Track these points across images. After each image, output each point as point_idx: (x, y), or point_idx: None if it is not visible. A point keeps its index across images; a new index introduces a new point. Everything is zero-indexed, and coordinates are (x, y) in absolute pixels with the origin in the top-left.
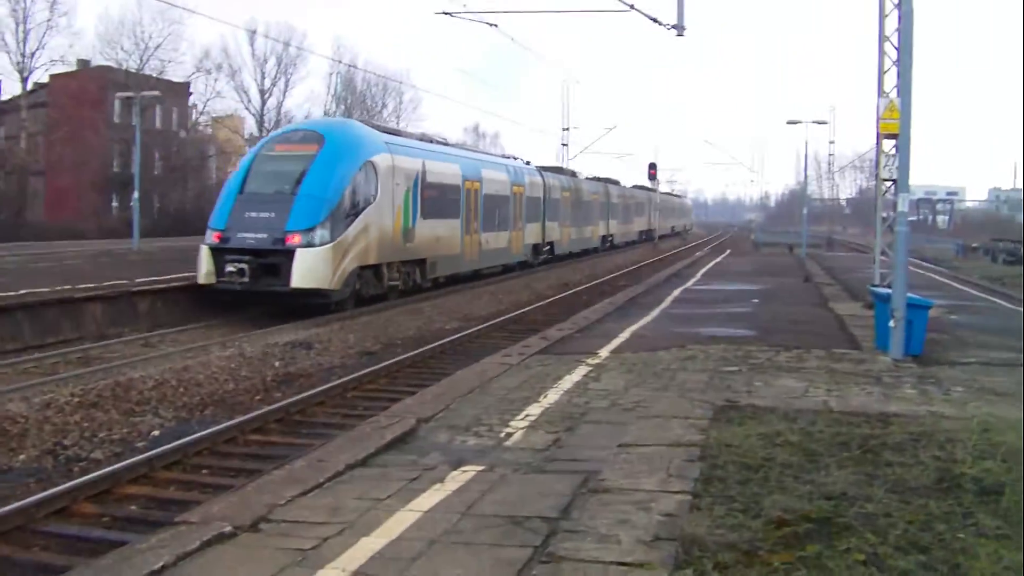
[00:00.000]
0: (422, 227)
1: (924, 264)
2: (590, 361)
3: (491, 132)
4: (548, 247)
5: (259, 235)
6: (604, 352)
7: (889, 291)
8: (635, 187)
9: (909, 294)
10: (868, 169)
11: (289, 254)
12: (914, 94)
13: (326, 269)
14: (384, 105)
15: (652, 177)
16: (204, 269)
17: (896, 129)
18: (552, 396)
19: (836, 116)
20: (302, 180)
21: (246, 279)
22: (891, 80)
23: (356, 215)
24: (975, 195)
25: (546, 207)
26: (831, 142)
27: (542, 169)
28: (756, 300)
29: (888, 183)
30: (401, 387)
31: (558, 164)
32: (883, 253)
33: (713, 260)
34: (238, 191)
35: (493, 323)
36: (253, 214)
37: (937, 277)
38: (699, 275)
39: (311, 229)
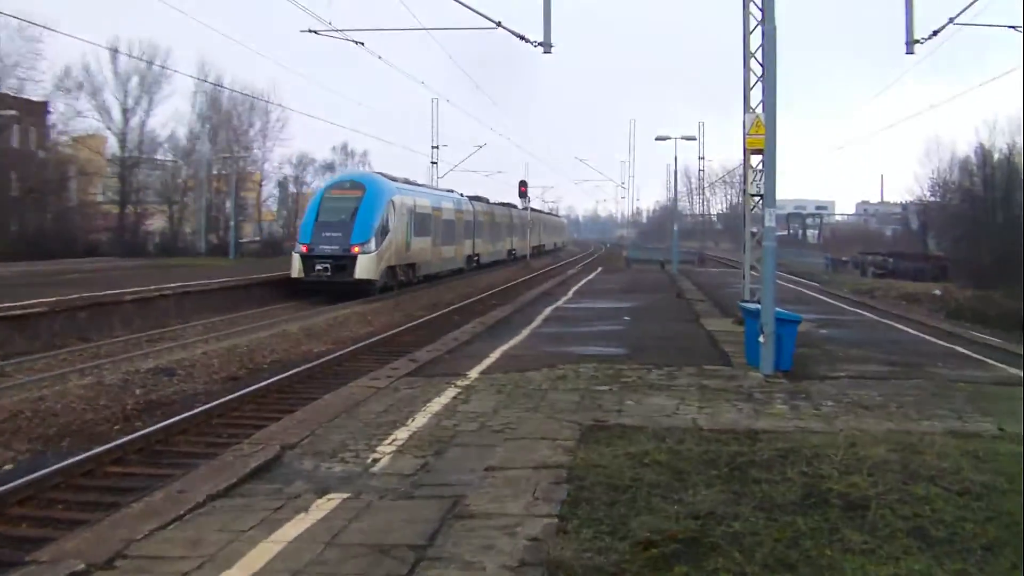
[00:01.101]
0: (414, 243)
1: (795, 278)
2: (460, 383)
3: (360, 151)
4: (477, 258)
5: (333, 247)
6: (474, 373)
7: (758, 306)
8: (503, 204)
9: (778, 309)
10: (738, 184)
11: (353, 258)
12: (780, 109)
13: (374, 267)
14: (251, 124)
15: (523, 195)
16: (297, 268)
17: (762, 144)
18: (421, 420)
19: (705, 132)
20: (356, 213)
21: (329, 273)
22: (757, 96)
23: (386, 235)
24: (844, 209)
25: (475, 228)
26: (701, 158)
27: (471, 198)
28: (628, 318)
29: (756, 198)
30: (269, 414)
31: (429, 182)
32: (752, 268)
33: (585, 277)
34: (315, 219)
35: (364, 344)
36: (327, 234)
37: (807, 291)
38: (571, 293)
39: (366, 243)
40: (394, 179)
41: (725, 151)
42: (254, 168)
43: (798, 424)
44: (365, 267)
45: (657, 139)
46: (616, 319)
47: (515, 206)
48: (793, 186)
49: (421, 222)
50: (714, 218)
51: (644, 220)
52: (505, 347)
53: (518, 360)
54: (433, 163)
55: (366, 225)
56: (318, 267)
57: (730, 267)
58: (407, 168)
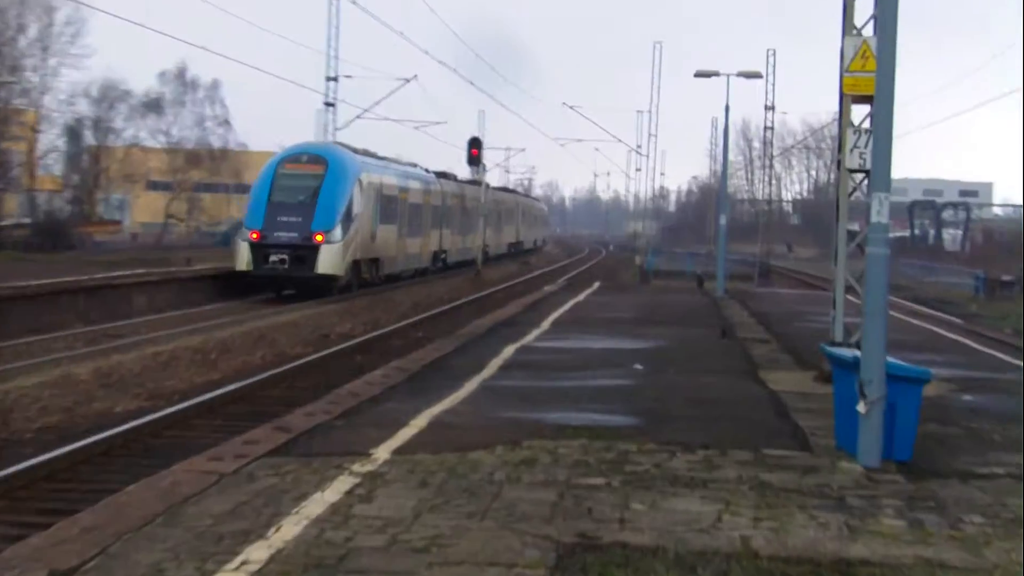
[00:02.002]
0: (380, 233)
1: (921, 308)
2: (359, 467)
3: (206, 80)
4: (444, 255)
5: (291, 234)
6: (383, 452)
7: (858, 354)
8: (474, 183)
9: (892, 359)
10: (829, 153)
11: (316, 248)
12: (903, 28)
13: (340, 260)
14: (20, 28)
15: (474, 160)
16: (244, 259)
17: (871, 88)
18: (290, 529)
19: (776, 67)
20: (318, 193)
21: (286, 266)
22: (865, 9)
23: (352, 221)
24: (1008, 196)
25: (443, 215)
26: (769, 108)
27: (438, 175)
28: (641, 367)
29: (858, 175)
30: (31, 516)
31: (322, 133)
32: (849, 289)
33: (572, 298)
34: (267, 199)
35: (198, 403)
36: (284, 218)
37: (941, 330)
38: (547, 323)
39: (330, 230)
40: (356, 151)
41: (806, 100)
42: (24, 103)
43: (921, 552)
44: (329, 260)
45: (698, 75)
46: (621, 368)
47: (489, 185)
48: (921, 158)
49: (387, 206)
50: (787, 206)
51: (671, 207)
52: (437, 409)
53: (457, 432)
54: (328, 104)
55: (330, 208)
56: (273, 258)
57: (811, 286)
58: (287, 111)
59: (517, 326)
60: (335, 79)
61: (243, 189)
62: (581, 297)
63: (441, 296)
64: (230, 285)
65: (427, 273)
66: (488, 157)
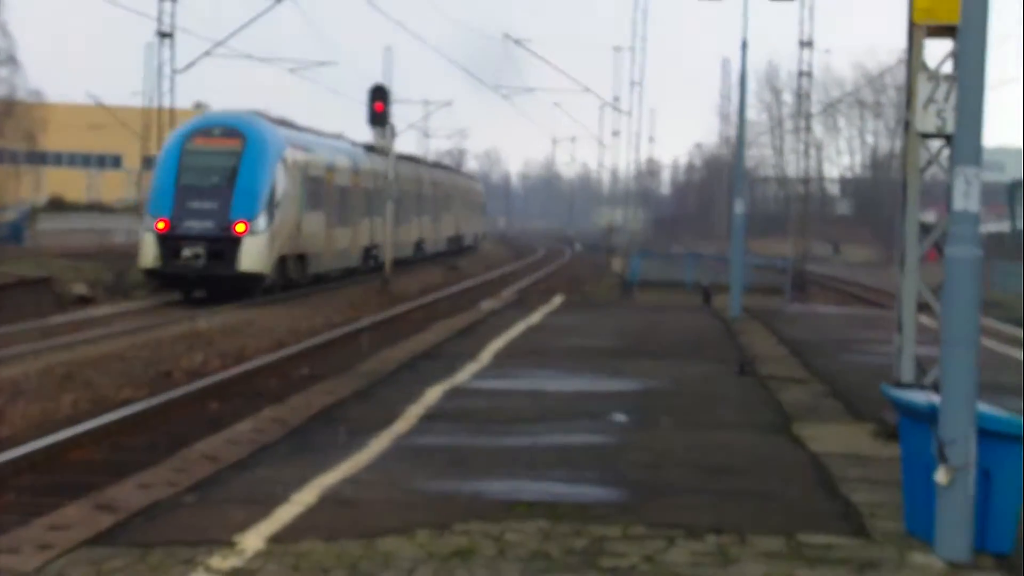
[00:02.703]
0: (305, 222)
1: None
2: (219, 563)
3: None
4: (375, 252)
5: (206, 223)
6: (253, 540)
7: (935, 400)
8: (409, 158)
9: (984, 407)
10: (895, 111)
11: (236, 241)
12: None
13: (265, 254)
14: None
15: (379, 119)
16: (151, 254)
17: (955, 14)
18: None
19: None
20: (236, 174)
21: (202, 262)
22: None
23: (276, 208)
24: None
25: (373, 200)
26: (805, 44)
27: (365, 148)
28: (624, 417)
29: (935, 142)
30: None
31: (162, 82)
32: (923, 308)
33: (523, 320)
34: (175, 182)
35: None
36: (196, 204)
37: None
38: (487, 355)
39: (254, 219)
40: (274, 120)
41: (859, 33)
42: None
43: None
44: (253, 255)
45: None
46: (595, 419)
47: (422, 160)
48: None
49: (314, 189)
50: (832, 187)
51: (665, 189)
52: (331, 478)
53: (361, 510)
54: (163, 35)
55: (252, 193)
56: (185, 252)
57: (866, 303)
58: (104, 44)
59: (444, 359)
60: None
61: (38, 158)
62: (536, 318)
63: (331, 316)
64: (14, 300)
65: (356, 273)
66: (398, 114)
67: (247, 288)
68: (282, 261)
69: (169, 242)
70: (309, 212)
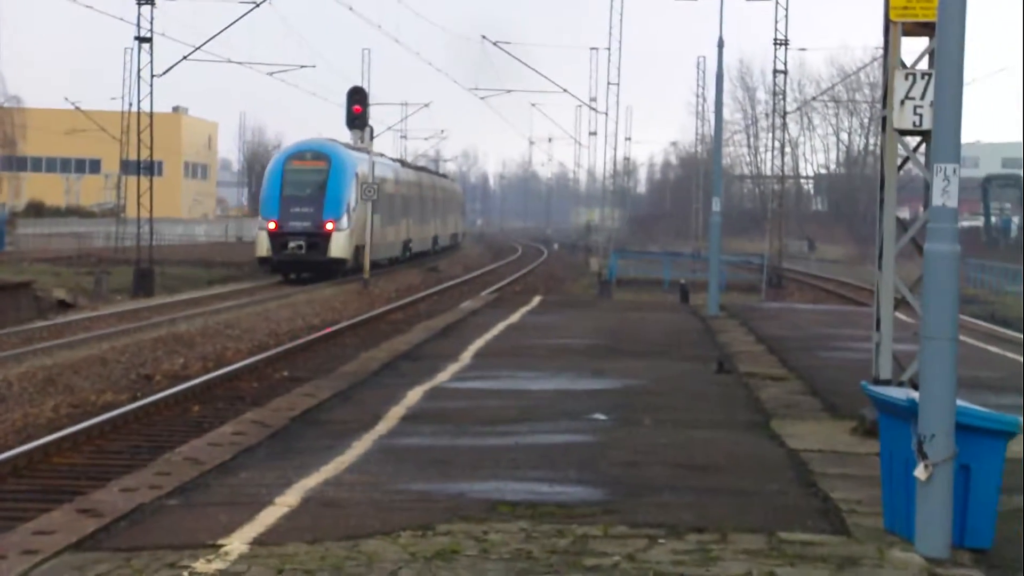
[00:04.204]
0: (370, 221)
1: (1004, 332)
2: (203, 567)
3: None
4: (410, 245)
5: (305, 223)
6: (238, 543)
7: (915, 396)
8: (421, 169)
9: (964, 403)
10: (867, 108)
11: (327, 236)
12: None
13: (347, 245)
14: None
15: (357, 122)
16: (265, 247)
17: (932, 11)
18: None
19: None
20: (325, 186)
21: (303, 251)
22: None
23: (353, 211)
24: None
25: (407, 204)
26: (781, 43)
27: (401, 164)
28: (604, 416)
29: (912, 139)
30: None
31: (142, 85)
32: (901, 304)
33: (502, 320)
34: (279, 194)
35: None
36: (297, 209)
37: None
38: (467, 355)
39: (339, 219)
40: (348, 146)
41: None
42: None
43: None
44: (339, 245)
45: None
46: (575, 419)
47: (435, 171)
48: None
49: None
50: (807, 185)
51: (642, 189)
52: (314, 480)
53: (344, 512)
54: (141, 40)
55: (336, 200)
56: (291, 244)
57: (843, 299)
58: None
59: (425, 360)
60: (150, 2)
61: (19, 164)
62: (515, 318)
63: (310, 318)
64: None
65: (398, 261)
66: (376, 116)
67: (335, 270)
68: (356, 250)
69: (277, 237)
70: (373, 215)
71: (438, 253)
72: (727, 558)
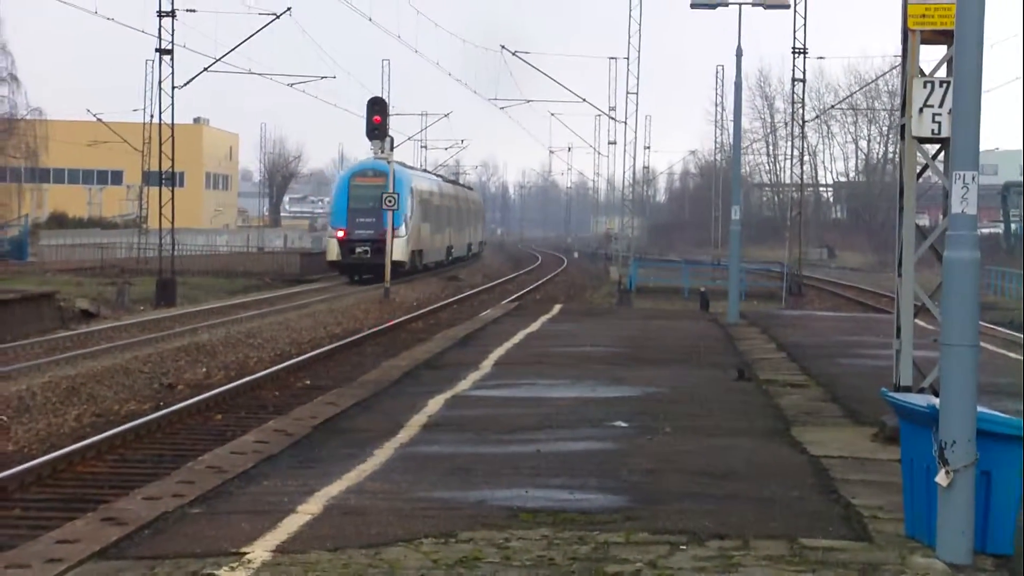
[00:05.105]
0: (422, 229)
1: (1019, 336)
2: (225, 574)
3: None
4: (451, 249)
5: (369, 231)
6: (260, 551)
7: (935, 402)
8: (452, 181)
9: (983, 409)
10: (886, 116)
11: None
12: None
13: (406, 250)
14: None
15: (377, 132)
16: (335, 252)
17: (950, 19)
18: None
19: None
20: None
21: (369, 256)
22: None
23: (409, 220)
24: None
25: (449, 214)
26: (799, 51)
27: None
28: (625, 424)
29: (931, 147)
30: None
31: (163, 97)
32: (921, 311)
33: (523, 328)
34: (347, 206)
35: None
36: (361, 219)
37: None
38: (488, 363)
39: (398, 228)
40: (404, 165)
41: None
42: None
43: None
44: (399, 250)
45: (695, 6)
46: (596, 426)
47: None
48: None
49: (425, 209)
50: (826, 193)
51: (662, 198)
52: (336, 488)
53: (366, 520)
54: (162, 52)
55: (396, 212)
56: (358, 250)
57: (864, 307)
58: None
59: (446, 368)
60: (171, 14)
61: (42, 176)
62: (535, 326)
63: (332, 327)
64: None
65: (442, 265)
66: (396, 126)
67: (395, 272)
68: (413, 254)
69: (346, 244)
70: (423, 223)
71: (472, 258)
72: (749, 564)
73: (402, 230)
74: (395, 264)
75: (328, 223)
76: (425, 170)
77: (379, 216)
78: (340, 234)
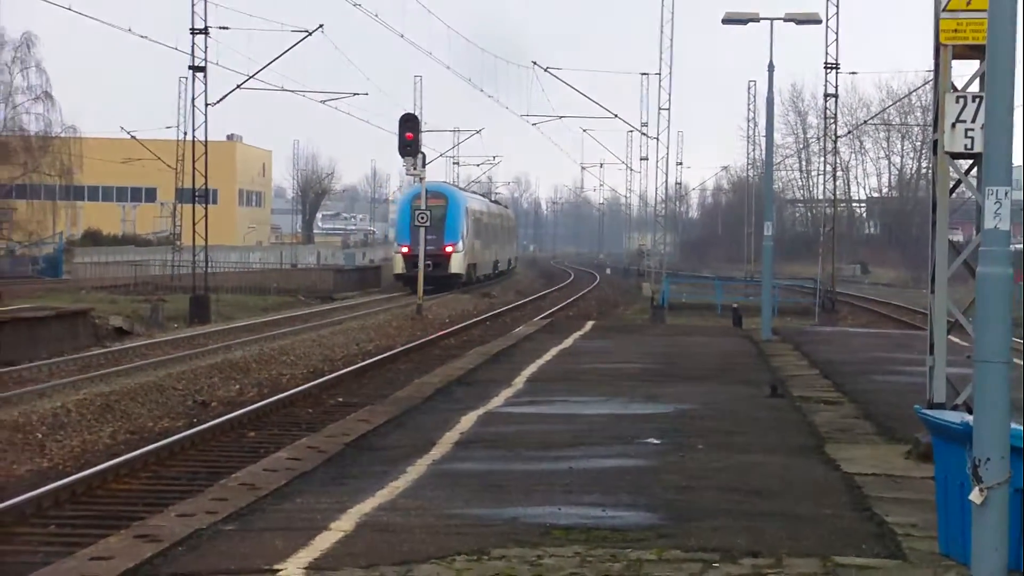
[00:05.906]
0: (475, 245)
1: None
2: None
3: (13, 34)
4: (496, 263)
5: (430, 247)
6: (294, 569)
7: (969, 419)
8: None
9: (1017, 426)
10: (919, 132)
11: (447, 256)
12: None
13: (463, 263)
14: None
15: (409, 149)
16: (400, 266)
17: (983, 33)
18: None
19: (841, 6)
20: (444, 219)
21: (431, 269)
22: None
23: (464, 237)
24: None
25: (495, 231)
26: (831, 67)
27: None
28: (657, 441)
29: (964, 162)
30: None
31: (196, 113)
32: (954, 327)
33: (555, 345)
34: (409, 225)
35: None
36: (423, 237)
37: None
38: (521, 380)
39: (455, 243)
40: (459, 187)
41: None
42: None
43: None
44: (457, 264)
45: (727, 21)
46: (629, 443)
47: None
48: None
49: (476, 227)
50: (859, 209)
51: (694, 214)
52: (368, 505)
53: (398, 537)
54: (195, 69)
55: (454, 229)
56: (419, 264)
57: (897, 323)
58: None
59: (478, 385)
60: (204, 32)
61: (76, 193)
62: (568, 343)
63: (365, 343)
64: (53, 333)
65: (489, 278)
66: (429, 143)
67: (453, 283)
68: (468, 267)
69: (409, 259)
70: (475, 240)
71: (509, 272)
72: None
73: (460, 245)
74: (454, 276)
75: (393, 239)
76: (472, 192)
77: (439, 233)
78: (404, 250)
